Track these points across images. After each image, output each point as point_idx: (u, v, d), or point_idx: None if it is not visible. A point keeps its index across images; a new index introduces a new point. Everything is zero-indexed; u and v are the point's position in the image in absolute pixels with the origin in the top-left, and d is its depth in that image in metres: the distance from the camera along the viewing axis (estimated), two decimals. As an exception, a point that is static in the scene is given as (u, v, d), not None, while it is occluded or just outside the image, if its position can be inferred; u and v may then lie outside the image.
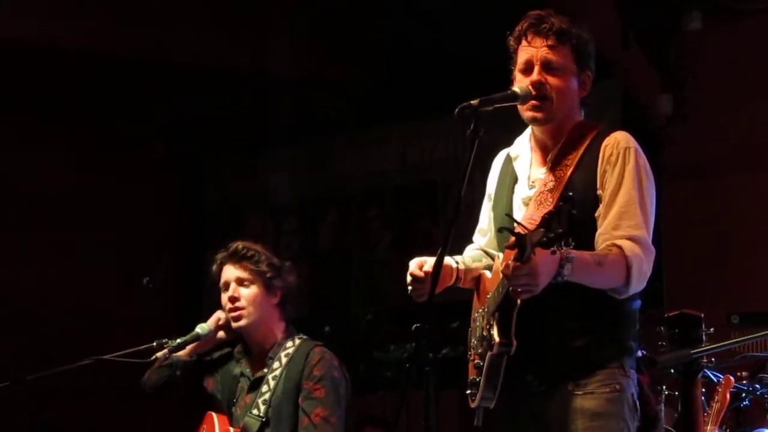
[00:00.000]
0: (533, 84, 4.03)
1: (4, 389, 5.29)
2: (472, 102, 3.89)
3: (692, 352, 5.06)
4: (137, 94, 9.81)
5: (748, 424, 6.38)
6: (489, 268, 4.20)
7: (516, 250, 3.66)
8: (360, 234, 10.42)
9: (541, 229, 3.57)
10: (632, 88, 8.79)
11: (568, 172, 4.02)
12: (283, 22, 9.33)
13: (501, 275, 3.86)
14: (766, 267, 8.15)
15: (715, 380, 5.99)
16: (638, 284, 3.93)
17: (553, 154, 4.09)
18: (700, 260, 8.39)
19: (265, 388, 5.12)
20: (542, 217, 3.62)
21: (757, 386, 6.25)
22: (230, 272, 5.20)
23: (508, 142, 4.31)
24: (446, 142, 9.80)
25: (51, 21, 8.75)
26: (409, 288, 4.08)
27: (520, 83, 4.06)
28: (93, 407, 9.49)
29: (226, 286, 5.21)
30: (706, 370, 5.66)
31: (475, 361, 4.03)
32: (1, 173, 9.90)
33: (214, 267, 5.26)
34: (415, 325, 3.81)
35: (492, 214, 4.28)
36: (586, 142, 4.05)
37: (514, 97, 4.04)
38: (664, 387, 6.20)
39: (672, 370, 5.68)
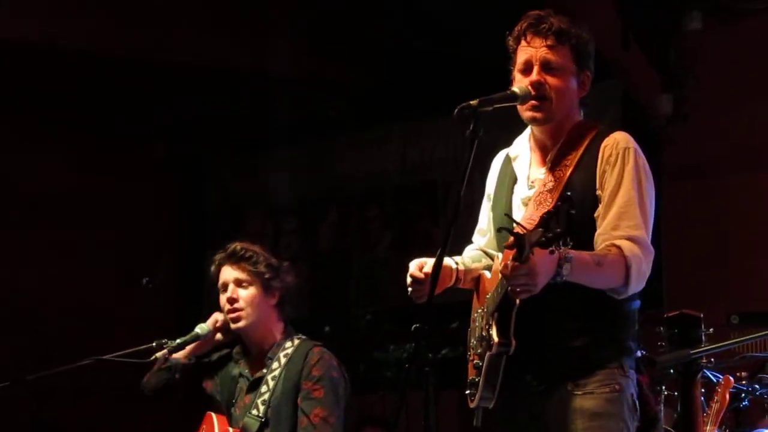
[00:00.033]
0: (532, 84, 4.03)
1: (4, 389, 5.29)
2: (471, 102, 3.89)
3: (692, 352, 5.06)
4: (137, 94, 9.81)
5: (747, 424, 6.38)
6: (488, 268, 4.20)
7: (515, 250, 3.66)
8: (360, 234, 10.42)
9: (540, 229, 3.58)
10: (632, 88, 8.79)
11: (568, 173, 4.01)
12: (283, 22, 9.34)
13: (500, 275, 3.86)
14: (766, 267, 8.15)
15: (715, 380, 5.99)
16: (637, 284, 3.93)
17: (552, 155, 4.09)
18: (700, 260, 8.39)
19: (264, 388, 5.12)
20: (541, 216, 3.62)
21: (757, 386, 6.25)
22: (228, 273, 5.20)
23: (508, 143, 4.31)
24: (446, 142, 9.80)
25: (51, 21, 8.76)
26: (409, 289, 4.08)
27: (520, 83, 4.06)
28: (93, 407, 9.50)
29: (225, 287, 5.21)
30: (705, 371, 5.66)
31: (475, 361, 4.03)
32: (1, 173, 9.91)
33: (213, 268, 5.25)
34: (414, 326, 3.80)
35: (491, 214, 4.28)
36: (586, 143, 4.05)
37: (514, 97, 4.03)
38: (663, 387, 6.19)
39: (671, 371, 5.68)
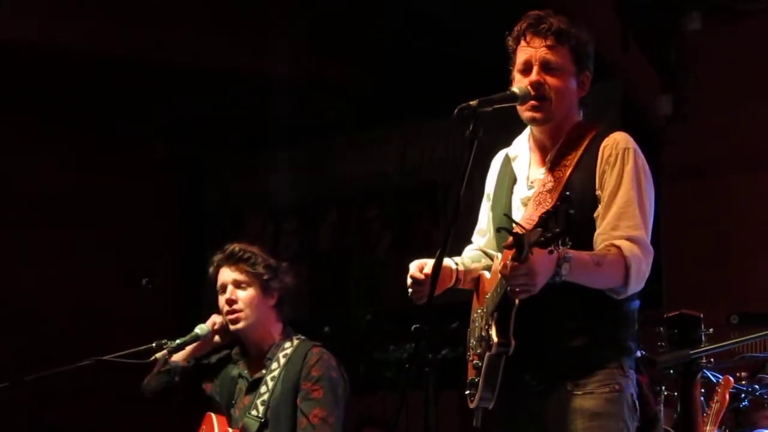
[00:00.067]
0: (532, 84, 4.03)
1: (4, 390, 5.29)
2: (471, 103, 3.89)
3: (691, 352, 5.06)
4: (137, 94, 9.82)
5: (747, 424, 6.38)
6: (488, 268, 4.20)
7: (514, 250, 3.66)
8: (360, 234, 10.42)
9: (539, 229, 3.58)
10: (632, 89, 8.79)
11: (567, 173, 4.02)
12: (283, 22, 9.34)
13: (499, 275, 3.86)
14: (766, 267, 8.15)
15: (715, 381, 5.99)
16: (637, 284, 3.93)
17: (551, 155, 4.09)
18: (700, 260, 8.39)
19: (263, 389, 5.12)
20: (540, 216, 3.62)
21: (757, 387, 6.25)
22: (227, 275, 5.20)
23: (507, 143, 4.31)
24: (446, 142, 9.80)
25: (51, 21, 8.76)
26: (409, 290, 4.08)
27: (519, 84, 4.06)
28: (93, 407, 9.50)
29: (223, 288, 5.21)
30: (705, 371, 5.66)
31: (474, 362, 4.03)
32: (1, 173, 9.91)
33: (211, 269, 5.25)
34: (414, 326, 3.80)
35: (491, 214, 4.28)
36: (585, 143, 4.05)
37: (513, 97, 4.04)
38: (663, 387, 6.19)
39: (671, 371, 5.68)
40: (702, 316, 5.55)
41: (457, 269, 4.18)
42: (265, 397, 5.10)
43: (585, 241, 3.92)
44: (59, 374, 5.29)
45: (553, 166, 4.06)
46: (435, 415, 6.54)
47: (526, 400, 4.04)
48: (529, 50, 4.05)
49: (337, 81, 9.85)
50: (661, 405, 6.16)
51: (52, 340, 9.28)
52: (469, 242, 4.38)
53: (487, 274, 4.18)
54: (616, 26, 8.40)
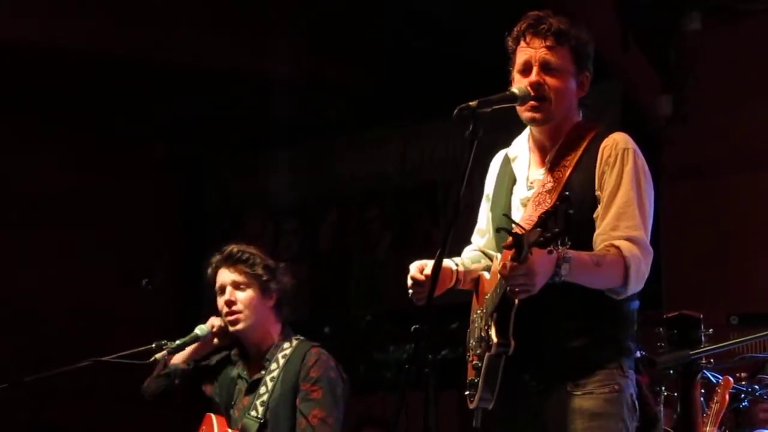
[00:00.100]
0: (532, 85, 4.03)
1: (3, 390, 5.29)
2: (470, 103, 3.89)
3: (691, 353, 5.05)
4: (137, 94, 9.81)
5: (747, 425, 6.38)
6: (487, 269, 4.20)
7: (513, 250, 3.66)
8: (360, 234, 10.42)
9: (538, 229, 3.58)
10: (632, 89, 8.79)
11: (567, 173, 4.02)
12: (283, 22, 9.34)
13: (499, 276, 3.86)
14: (766, 267, 8.15)
15: (714, 381, 5.99)
16: (636, 285, 3.93)
17: (551, 155, 4.09)
18: (700, 260, 8.39)
19: (262, 389, 5.12)
20: (539, 216, 3.62)
21: (756, 387, 6.25)
22: (225, 276, 5.20)
23: (507, 143, 4.31)
24: (446, 142, 9.80)
25: (51, 21, 8.76)
26: (410, 291, 4.08)
27: (519, 84, 4.06)
28: (92, 408, 9.49)
29: (222, 289, 5.21)
30: (705, 371, 5.65)
31: (474, 362, 4.03)
32: (1, 173, 9.91)
33: (209, 271, 5.25)
34: (414, 327, 3.81)
35: (490, 214, 4.28)
36: (585, 143, 4.05)
37: (513, 98, 4.04)
38: (663, 388, 6.19)
39: (671, 371, 5.67)
40: (702, 316, 5.53)
41: (457, 270, 4.18)
42: (265, 397, 5.10)
43: (584, 242, 3.92)
44: (59, 375, 5.29)
45: (552, 167, 4.06)
46: (435, 415, 6.55)
47: (525, 400, 4.04)
48: (528, 51, 4.05)
49: (337, 81, 9.85)
50: (661, 405, 6.16)
51: (52, 340, 9.28)
52: (469, 243, 4.38)
53: (486, 275, 4.18)
54: (616, 26, 8.40)
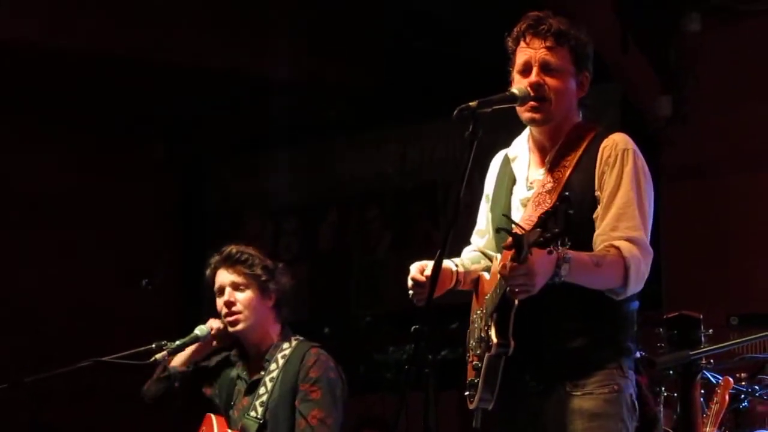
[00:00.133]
0: (531, 85, 4.04)
1: (3, 391, 5.29)
2: (470, 104, 3.89)
3: (691, 353, 5.05)
4: (137, 94, 9.81)
5: (747, 425, 6.38)
6: (487, 269, 4.21)
7: (513, 251, 3.66)
8: (360, 234, 10.41)
9: (538, 230, 3.58)
10: (631, 90, 8.78)
11: (567, 174, 4.02)
12: (283, 22, 9.34)
13: (498, 276, 3.86)
14: (766, 267, 8.15)
15: (714, 382, 5.99)
16: (636, 285, 3.94)
17: (551, 156, 4.09)
18: (700, 261, 8.38)
19: (262, 390, 5.13)
20: (539, 217, 3.62)
21: (756, 388, 6.25)
22: (224, 277, 5.20)
23: (507, 143, 4.31)
24: (446, 142, 9.80)
25: (51, 21, 8.75)
26: (410, 293, 4.08)
27: (519, 84, 4.06)
28: (92, 408, 9.49)
29: (221, 291, 5.21)
30: (705, 372, 5.65)
31: (474, 363, 4.03)
32: (1, 173, 9.91)
33: (208, 272, 5.26)
34: (414, 327, 3.81)
35: (490, 215, 4.28)
36: (585, 144, 4.05)
37: (513, 98, 4.04)
38: (663, 388, 6.19)
39: (671, 372, 5.68)
40: (702, 317, 5.54)
41: (457, 271, 4.19)
42: (264, 398, 5.11)
43: (584, 242, 3.92)
44: (59, 375, 5.29)
45: (552, 167, 4.07)
46: (435, 415, 6.54)
47: (525, 400, 4.04)
48: (528, 51, 4.06)
49: (337, 81, 9.85)
50: (661, 406, 6.15)
51: (52, 340, 9.28)
52: (469, 243, 4.38)
53: (486, 275, 4.18)
54: (616, 27, 8.39)
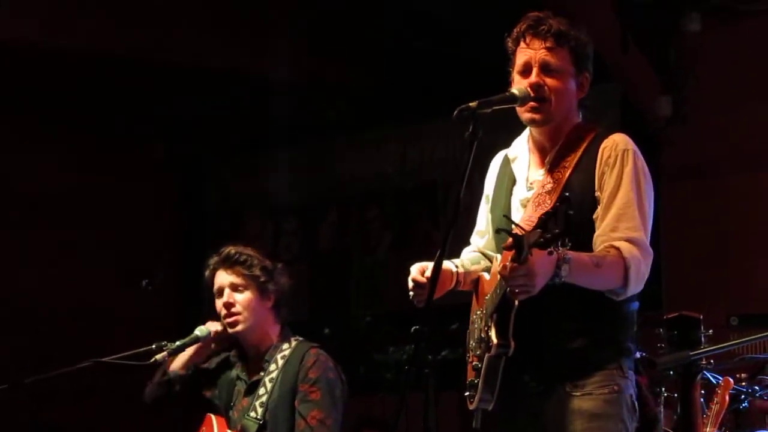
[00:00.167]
0: (531, 86, 4.03)
1: (3, 391, 5.28)
2: (470, 104, 3.89)
3: (691, 353, 5.05)
4: (137, 94, 9.81)
5: (747, 426, 6.38)
6: (487, 270, 4.20)
7: (513, 251, 3.66)
8: (360, 235, 10.41)
9: (538, 230, 3.58)
10: (631, 90, 8.78)
11: (567, 174, 4.02)
12: (283, 22, 9.34)
13: (498, 277, 3.86)
14: (766, 267, 8.15)
15: (715, 382, 5.99)
16: (636, 286, 3.94)
17: (551, 156, 4.09)
18: (700, 261, 8.38)
19: (262, 390, 5.12)
20: (539, 217, 3.62)
21: (757, 388, 6.25)
22: (223, 278, 5.20)
23: (507, 144, 4.31)
24: (446, 142, 9.80)
25: (51, 21, 8.75)
26: (411, 294, 4.08)
27: (519, 85, 4.06)
28: (92, 409, 9.49)
29: (220, 292, 5.21)
30: (705, 372, 5.65)
31: (474, 363, 4.03)
32: (1, 173, 9.91)
33: (207, 273, 5.25)
34: (414, 327, 3.81)
35: (490, 215, 4.28)
36: (585, 144, 4.05)
37: (513, 98, 4.04)
38: (663, 389, 6.19)
39: (671, 372, 5.68)
40: (702, 317, 5.54)
41: (457, 272, 4.18)
42: (264, 399, 5.10)
43: (584, 243, 3.92)
44: (59, 375, 5.28)
45: (552, 168, 4.07)
46: (435, 416, 6.55)
47: (525, 401, 4.04)
48: (528, 52, 4.05)
49: (337, 81, 9.85)
50: (661, 406, 6.15)
51: (52, 341, 9.28)
52: (468, 243, 4.38)
53: (486, 276, 4.18)
54: (616, 27, 8.39)
